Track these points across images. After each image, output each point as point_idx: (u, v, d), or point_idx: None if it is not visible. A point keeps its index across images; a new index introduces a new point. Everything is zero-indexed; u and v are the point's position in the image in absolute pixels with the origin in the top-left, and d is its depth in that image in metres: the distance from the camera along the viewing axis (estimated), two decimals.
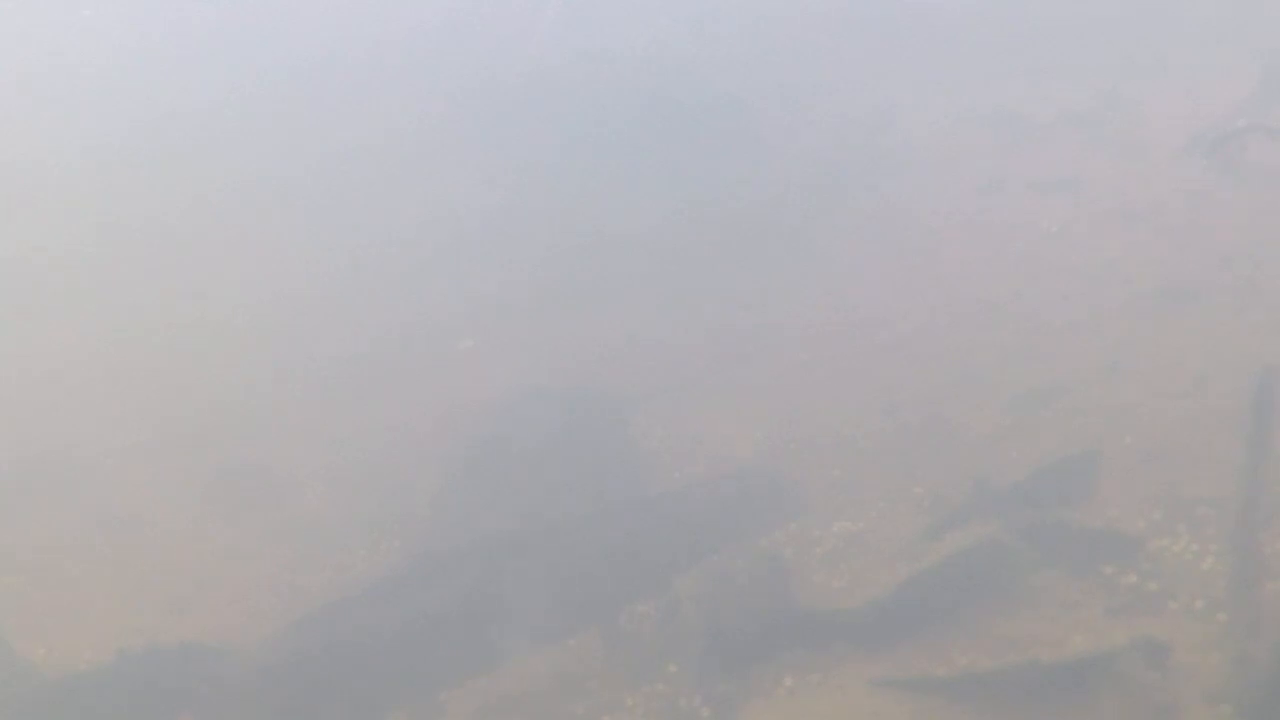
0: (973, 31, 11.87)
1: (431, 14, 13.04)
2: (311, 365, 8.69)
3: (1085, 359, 7.46)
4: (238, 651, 6.38)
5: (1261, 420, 6.34)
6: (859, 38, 11.91)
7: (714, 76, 11.30)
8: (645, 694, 5.78)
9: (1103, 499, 6.41)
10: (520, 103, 11.16)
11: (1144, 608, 5.66)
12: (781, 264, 8.84)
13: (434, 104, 11.44)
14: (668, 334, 8.35)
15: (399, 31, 12.85)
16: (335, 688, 6.12)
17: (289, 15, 13.35)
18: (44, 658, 6.64)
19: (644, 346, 8.29)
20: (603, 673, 5.98)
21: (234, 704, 6.07)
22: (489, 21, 12.80)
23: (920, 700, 5.42)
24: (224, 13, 13.36)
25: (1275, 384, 6.52)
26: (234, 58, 12.65)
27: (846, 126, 10.46)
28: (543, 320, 8.72)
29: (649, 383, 7.92)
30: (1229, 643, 5.36)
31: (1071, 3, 12.25)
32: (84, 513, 7.91)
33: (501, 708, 5.92)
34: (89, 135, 11.80)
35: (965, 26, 11.94)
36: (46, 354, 9.28)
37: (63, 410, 8.76)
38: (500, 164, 10.47)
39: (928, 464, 6.87)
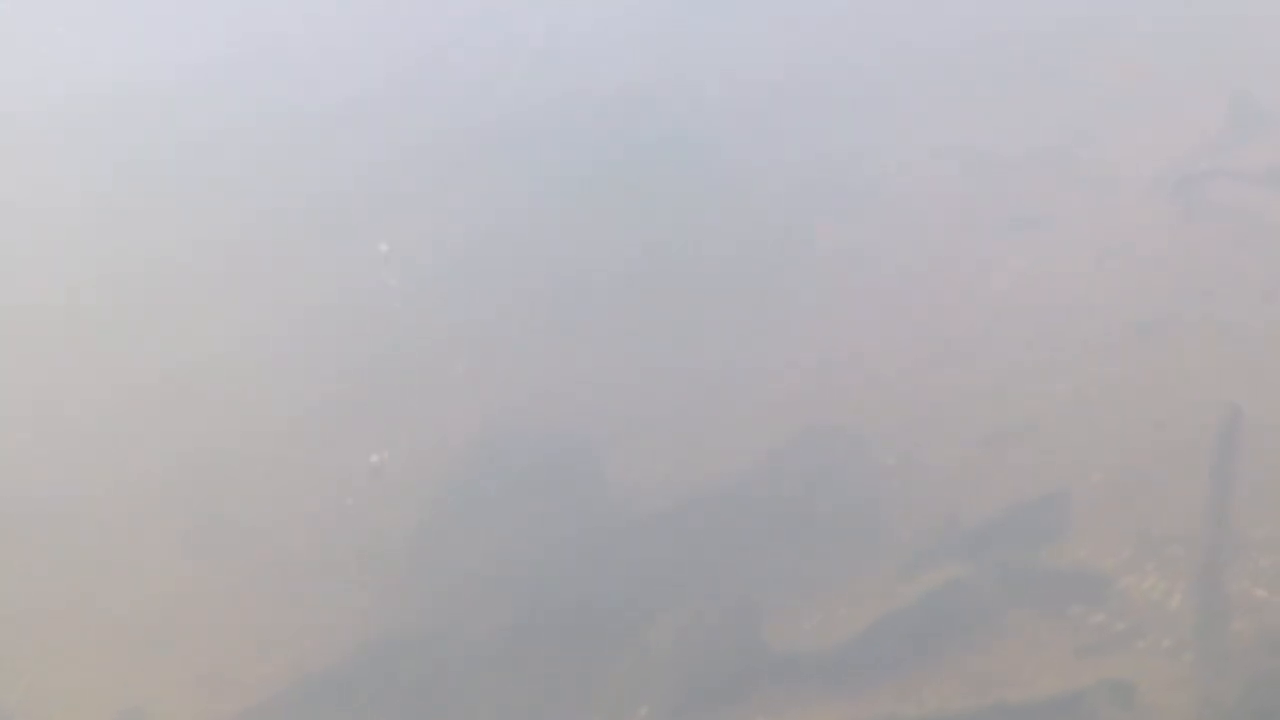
0: (942, 70, 11.97)
1: (405, 57, 13.11)
2: (281, 407, 8.68)
3: (1055, 397, 7.50)
4: None
5: (1225, 459, 6.40)
6: (830, 79, 12.00)
7: (686, 118, 11.38)
8: None
9: (1072, 538, 6.44)
10: (493, 144, 11.22)
11: (1112, 647, 5.68)
12: (751, 303, 8.87)
13: (405, 146, 11.48)
14: (638, 373, 8.37)
15: (372, 73, 12.91)
16: None
17: (261, 64, 13.42)
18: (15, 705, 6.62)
19: (615, 386, 8.29)
20: (574, 718, 5.98)
21: None
22: (463, 64, 12.87)
23: None
24: (200, 60, 13.44)
25: (1239, 422, 6.59)
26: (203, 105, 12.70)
27: (817, 166, 10.52)
28: (513, 359, 8.72)
29: (619, 422, 7.93)
30: (1196, 682, 5.40)
31: (1040, 41, 12.37)
32: (53, 559, 7.86)
33: None
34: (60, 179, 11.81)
35: (935, 66, 12.04)
36: (12, 399, 9.25)
37: (31, 456, 8.72)
38: (472, 205, 10.50)
39: (898, 503, 6.90)
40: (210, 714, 6.56)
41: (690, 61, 12.57)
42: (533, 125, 11.62)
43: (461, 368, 8.67)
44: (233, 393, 8.88)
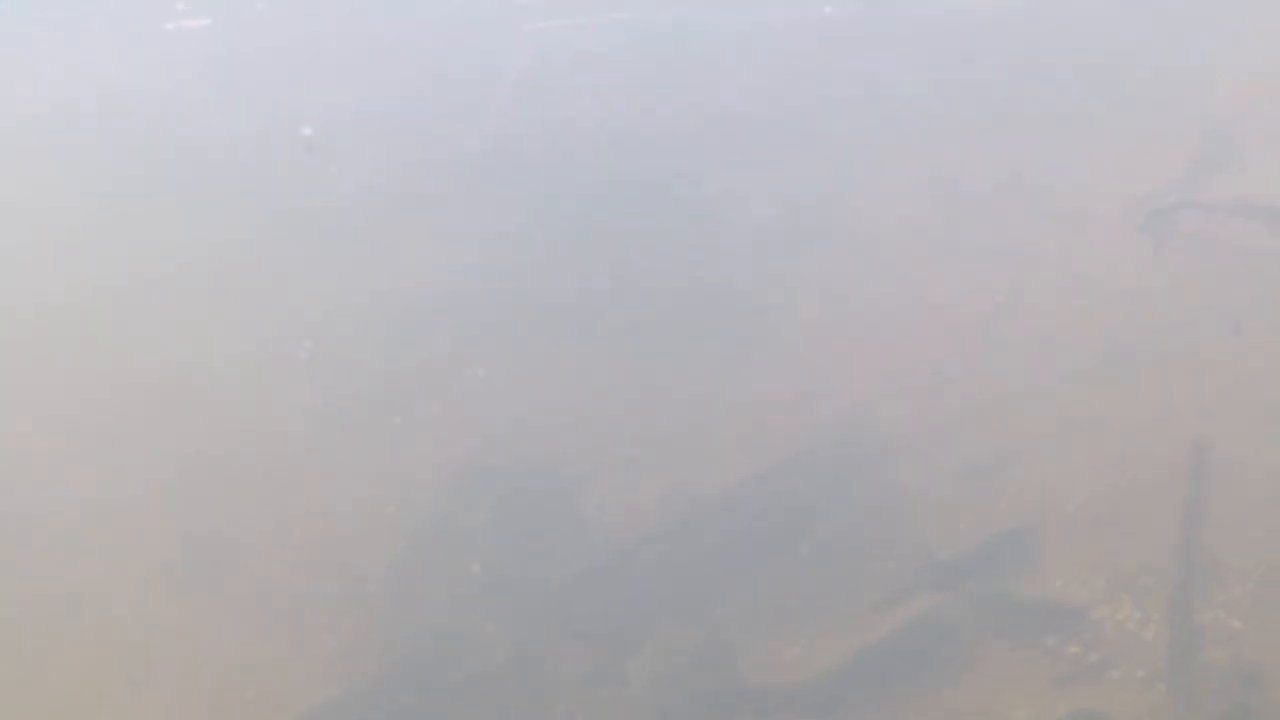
0: (915, 103, 12.08)
1: (386, 88, 13.13)
2: (262, 436, 8.65)
3: (1029, 429, 7.56)
4: None
5: (1195, 490, 6.46)
6: (808, 115, 12.08)
7: (667, 149, 11.44)
8: None
9: (1048, 569, 6.49)
10: (475, 174, 11.25)
11: (1086, 678, 5.72)
12: (729, 335, 8.90)
13: (388, 175, 11.49)
14: (616, 405, 8.39)
15: (352, 103, 12.92)
16: None
17: (245, 88, 13.40)
18: None
19: (593, 417, 8.31)
20: None
21: None
22: (444, 95, 12.90)
23: None
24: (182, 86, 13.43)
25: (1208, 454, 6.67)
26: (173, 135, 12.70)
27: (794, 199, 10.59)
28: (493, 390, 8.73)
29: (597, 455, 7.95)
30: (1170, 713, 5.44)
31: (1012, 72, 12.50)
32: (30, 584, 7.80)
33: None
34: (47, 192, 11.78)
35: (907, 101, 12.15)
36: None
37: (8, 477, 8.66)
38: (454, 235, 10.52)
39: (874, 534, 6.93)
40: None
41: (670, 96, 12.65)
42: (511, 157, 11.66)
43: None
44: (189, 426, 8.86)
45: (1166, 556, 6.41)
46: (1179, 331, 8.21)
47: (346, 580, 7.35)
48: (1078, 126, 11.50)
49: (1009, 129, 11.75)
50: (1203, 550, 6.39)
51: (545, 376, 8.97)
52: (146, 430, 8.98)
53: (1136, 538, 6.59)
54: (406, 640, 6.79)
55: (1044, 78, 12.42)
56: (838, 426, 7.91)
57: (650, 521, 7.44)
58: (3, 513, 8.28)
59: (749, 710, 5.97)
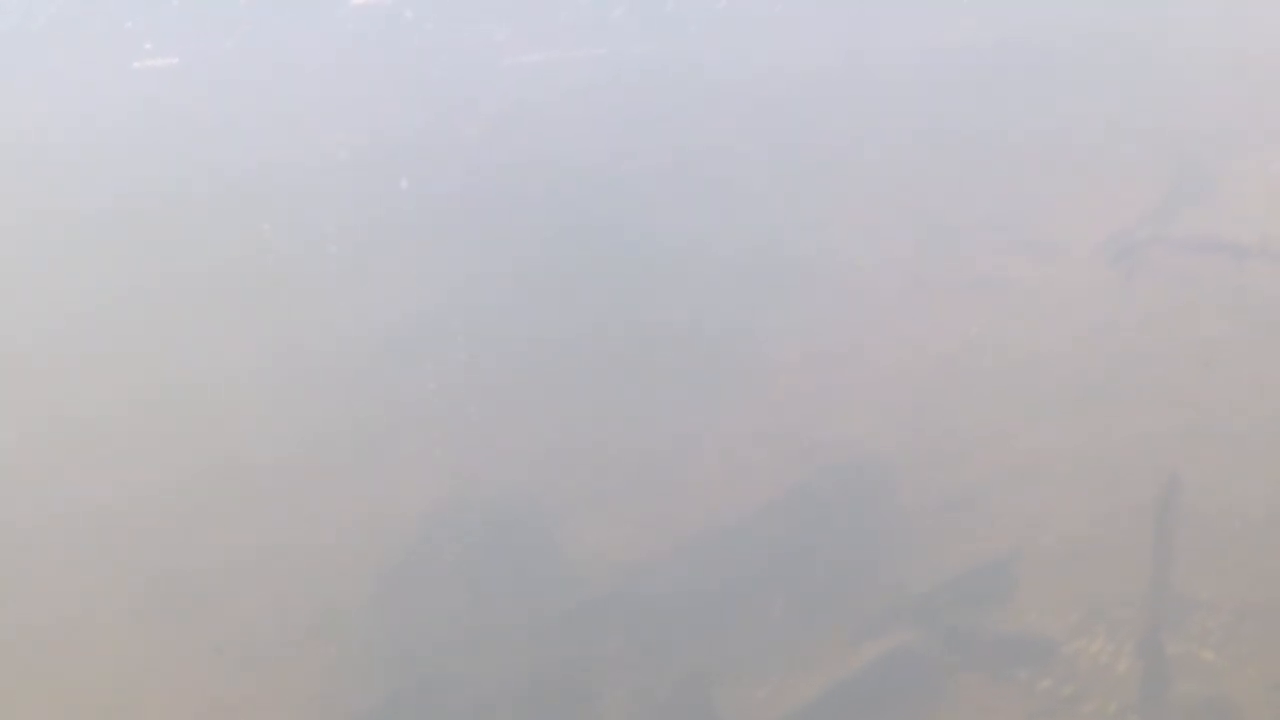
0: (891, 137, 12.20)
1: (359, 128, 13.21)
2: (236, 469, 8.65)
3: (1004, 462, 7.60)
4: None
5: (1165, 524, 6.52)
6: (785, 152, 12.20)
7: (642, 189, 11.52)
8: None
9: (1022, 602, 6.52)
10: (449, 213, 11.32)
11: (1059, 712, 5.75)
12: (705, 372, 8.94)
13: (361, 215, 11.55)
14: (594, 443, 8.41)
15: (329, 144, 12.98)
16: None
17: (219, 133, 13.48)
18: None
19: (570, 455, 8.33)
20: None
21: None
22: (418, 136, 12.99)
23: None
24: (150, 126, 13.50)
25: (1178, 489, 6.73)
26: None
27: (771, 234, 10.67)
28: (468, 431, 8.74)
29: (575, 491, 7.96)
30: None
31: (986, 105, 12.64)
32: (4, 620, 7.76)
33: None
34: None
35: (885, 138, 12.27)
36: None
37: None
38: (431, 274, 10.56)
39: (848, 569, 6.95)
40: None
41: (644, 135, 12.75)
42: (486, 197, 11.72)
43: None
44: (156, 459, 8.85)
45: (1140, 590, 6.44)
46: (1151, 366, 8.28)
47: (320, 618, 7.34)
48: (1056, 160, 11.62)
49: (989, 165, 11.87)
50: (1175, 584, 6.43)
51: (523, 415, 8.99)
52: (120, 468, 8.96)
53: (1110, 571, 6.63)
54: (381, 680, 6.78)
55: (1023, 116, 12.57)
56: (813, 464, 7.92)
57: (623, 559, 7.45)
58: None
59: None
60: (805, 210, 11.04)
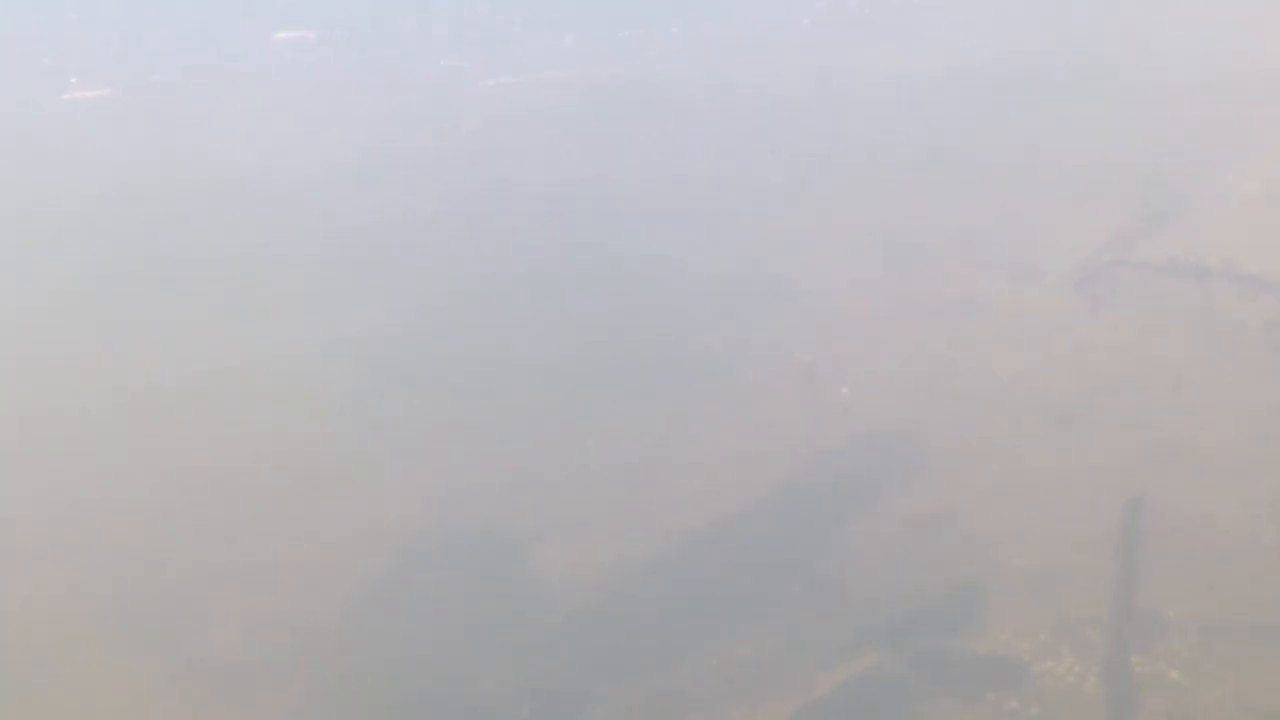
0: (865, 161, 12.30)
1: (341, 147, 13.29)
2: (212, 494, 8.62)
3: (974, 483, 7.65)
4: None
5: (1130, 546, 6.56)
6: (759, 177, 12.30)
7: (620, 211, 11.59)
8: None
9: (991, 623, 6.55)
10: (428, 233, 11.38)
11: None
12: (681, 395, 8.97)
13: (340, 233, 11.60)
14: (571, 464, 8.42)
15: (310, 164, 13.04)
16: None
17: (199, 154, 13.53)
18: None
19: (548, 476, 8.33)
20: None
21: None
22: (400, 155, 13.06)
23: None
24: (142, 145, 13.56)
25: (1141, 511, 6.78)
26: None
27: (742, 259, 10.73)
28: (446, 449, 8.74)
29: (552, 512, 7.96)
30: None
31: (962, 129, 12.75)
32: None
33: None
34: None
35: (859, 162, 12.37)
36: None
37: None
38: (406, 297, 10.58)
39: (819, 592, 6.97)
40: None
41: (619, 160, 12.82)
42: (462, 219, 11.76)
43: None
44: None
45: (1108, 610, 6.48)
46: (1119, 387, 8.34)
47: (293, 641, 7.31)
48: (1028, 183, 11.72)
49: (958, 190, 11.96)
50: (1142, 603, 6.46)
51: (495, 437, 8.99)
52: (98, 488, 8.93)
53: (1079, 591, 6.66)
54: (355, 703, 6.75)
55: (994, 143, 12.67)
56: (783, 486, 7.95)
57: (593, 584, 7.44)
58: None
59: None
60: (776, 232, 11.10)
